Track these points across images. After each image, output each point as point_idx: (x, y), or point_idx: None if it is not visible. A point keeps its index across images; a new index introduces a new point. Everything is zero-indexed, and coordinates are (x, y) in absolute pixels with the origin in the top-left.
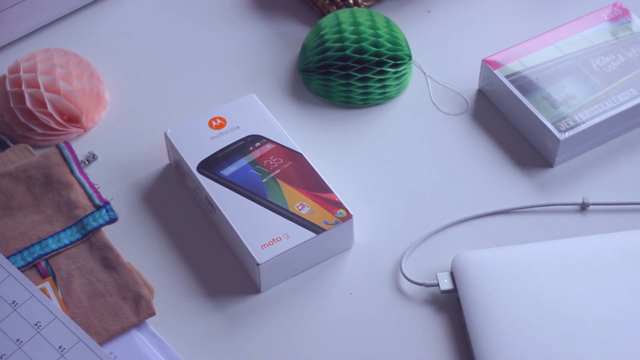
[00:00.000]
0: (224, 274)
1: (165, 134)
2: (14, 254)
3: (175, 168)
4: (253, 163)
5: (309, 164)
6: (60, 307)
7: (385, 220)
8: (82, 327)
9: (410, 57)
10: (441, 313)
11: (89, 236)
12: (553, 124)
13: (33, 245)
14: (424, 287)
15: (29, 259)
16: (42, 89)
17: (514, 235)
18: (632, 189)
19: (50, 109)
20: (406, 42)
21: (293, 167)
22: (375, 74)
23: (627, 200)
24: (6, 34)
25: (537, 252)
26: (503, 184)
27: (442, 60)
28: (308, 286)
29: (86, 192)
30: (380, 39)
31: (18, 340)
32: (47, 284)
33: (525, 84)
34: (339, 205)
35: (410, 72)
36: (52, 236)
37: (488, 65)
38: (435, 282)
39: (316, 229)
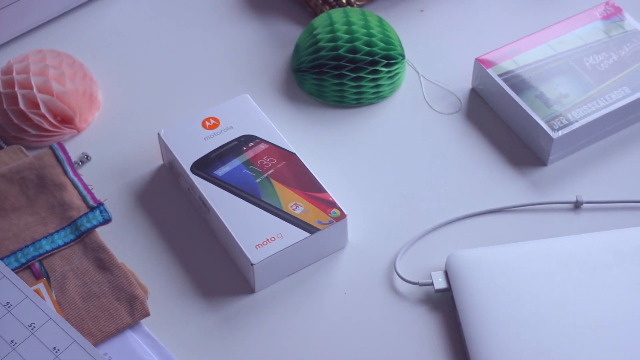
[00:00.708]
0: (218, 274)
1: (158, 134)
2: (8, 256)
3: (169, 168)
4: (247, 163)
5: (303, 163)
6: (55, 309)
7: (379, 220)
8: (76, 328)
9: (403, 56)
10: (435, 312)
11: (83, 237)
12: (546, 122)
13: (27, 246)
14: (418, 286)
15: (23, 260)
16: (35, 90)
17: (508, 234)
18: (626, 187)
19: (43, 110)
20: (399, 42)
21: (287, 167)
22: (368, 73)
23: (620, 198)
24: None
25: (531, 250)
26: (497, 182)
27: (435, 59)
28: (302, 286)
29: (80, 193)
30: (373, 39)
31: (12, 341)
32: (41, 285)
33: (518, 83)
34: (333, 204)
35: (403, 71)
36: (46, 237)
37: (481, 64)
38: (429, 281)
39: (310, 228)
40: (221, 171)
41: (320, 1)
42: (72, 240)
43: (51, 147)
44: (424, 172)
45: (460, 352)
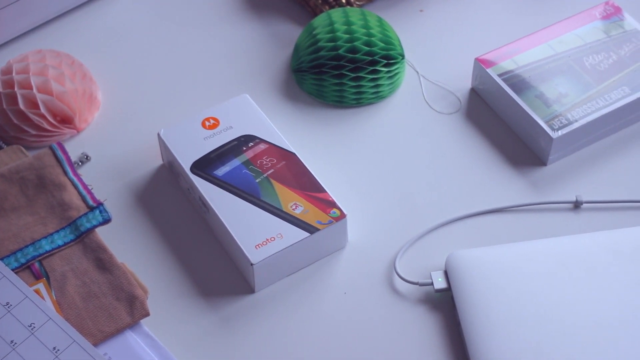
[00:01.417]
0: (218, 274)
1: (158, 134)
2: (8, 256)
3: (169, 168)
4: (246, 163)
5: (303, 163)
6: (54, 309)
7: (379, 220)
8: (76, 328)
9: (403, 56)
10: (435, 312)
11: (83, 237)
12: (546, 122)
13: (27, 246)
14: (418, 286)
15: (23, 261)
16: (34, 90)
17: (508, 234)
18: (625, 186)
19: (43, 110)
20: (399, 41)
21: (286, 166)
22: (368, 73)
23: (620, 198)
24: None
25: (531, 250)
26: (496, 182)
27: (435, 59)
28: (302, 286)
29: (79, 193)
30: (372, 38)
31: (12, 341)
32: (40, 285)
33: (518, 83)
34: (333, 204)
35: (403, 71)
36: (45, 237)
37: (481, 64)
38: (429, 281)
39: (310, 228)
40: (221, 171)
41: (320, 1)
42: (71, 241)
43: (51, 147)
44: (424, 172)
45: (460, 351)
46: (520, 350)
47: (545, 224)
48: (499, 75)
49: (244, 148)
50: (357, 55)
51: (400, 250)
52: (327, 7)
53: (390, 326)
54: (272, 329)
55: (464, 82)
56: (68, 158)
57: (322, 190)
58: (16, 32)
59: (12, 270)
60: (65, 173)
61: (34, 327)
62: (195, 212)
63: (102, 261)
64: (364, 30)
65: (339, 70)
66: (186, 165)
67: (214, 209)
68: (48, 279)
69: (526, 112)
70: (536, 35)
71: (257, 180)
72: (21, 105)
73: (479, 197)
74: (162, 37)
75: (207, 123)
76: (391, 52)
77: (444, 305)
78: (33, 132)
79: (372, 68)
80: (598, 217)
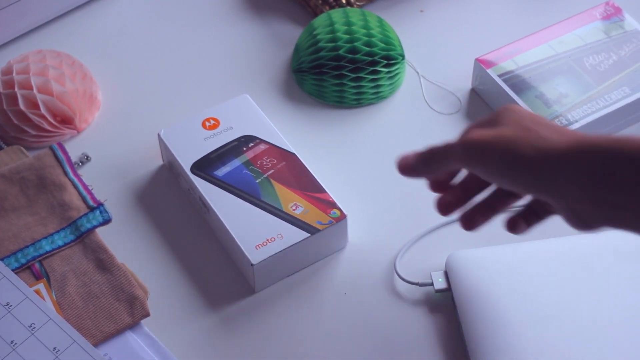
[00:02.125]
0: (218, 274)
1: (158, 134)
2: (8, 256)
3: (169, 169)
4: (247, 163)
5: (303, 164)
6: (55, 309)
7: (379, 220)
8: (76, 329)
9: (403, 56)
10: (435, 312)
11: (83, 237)
12: None
13: (27, 247)
14: (418, 286)
15: (23, 261)
16: (35, 91)
17: (508, 234)
18: None
19: (43, 110)
20: (399, 42)
21: (287, 167)
22: (368, 73)
23: None
24: None
25: (531, 250)
26: None
27: (435, 59)
28: (302, 286)
29: (80, 194)
30: (373, 39)
31: (12, 342)
32: (41, 286)
33: (518, 83)
34: (333, 205)
35: (403, 71)
36: (45, 238)
37: (481, 65)
38: (429, 281)
39: (310, 229)
40: (221, 171)
41: (320, 1)
42: (72, 241)
43: (51, 148)
44: None
45: (460, 352)
46: (520, 350)
47: (545, 224)
48: (499, 76)
49: (244, 148)
50: (357, 56)
51: (401, 251)
52: (327, 8)
53: (390, 326)
54: (272, 329)
55: (464, 83)
56: (68, 158)
57: (322, 191)
58: (16, 32)
59: (13, 270)
60: (66, 173)
61: (34, 328)
62: (196, 213)
63: (103, 261)
64: (364, 31)
65: (339, 71)
66: (186, 166)
67: (214, 209)
68: (48, 279)
69: None
70: (536, 36)
71: (257, 181)
72: (21, 106)
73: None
74: (162, 37)
75: (207, 123)
76: (391, 53)
77: (444, 305)
78: (33, 132)
79: (372, 68)
80: None
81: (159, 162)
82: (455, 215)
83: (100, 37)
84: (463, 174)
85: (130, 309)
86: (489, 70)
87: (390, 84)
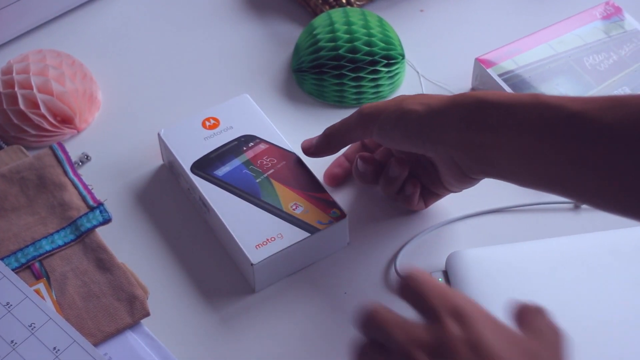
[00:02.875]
0: (218, 274)
1: (158, 134)
2: (8, 256)
3: (169, 168)
4: (247, 163)
5: (303, 163)
6: (55, 309)
7: (379, 220)
8: (76, 328)
9: (403, 56)
10: None
11: (83, 237)
12: None
13: (27, 246)
14: None
15: (23, 261)
16: (35, 90)
17: (508, 234)
18: None
19: (43, 110)
20: (399, 41)
21: (287, 166)
22: (368, 73)
23: None
24: None
25: (531, 250)
26: (497, 182)
27: (435, 59)
28: (303, 286)
29: (80, 193)
30: (373, 39)
31: (12, 341)
32: (41, 286)
33: (518, 83)
34: (333, 204)
35: (403, 71)
36: (46, 237)
37: (481, 64)
38: None
39: (310, 228)
40: (221, 171)
41: (320, 1)
42: (72, 241)
43: (51, 147)
44: None
45: None
46: None
47: (545, 224)
48: (500, 76)
49: (244, 148)
50: (357, 55)
51: (401, 250)
52: (327, 7)
53: None
54: (272, 329)
55: (464, 82)
56: (68, 158)
57: (323, 190)
58: (16, 32)
59: (13, 270)
60: (66, 173)
61: (34, 327)
62: (196, 212)
63: (103, 261)
64: (364, 31)
65: (339, 70)
66: (186, 165)
67: (214, 209)
68: (48, 279)
69: None
70: (536, 35)
71: (257, 181)
72: (21, 105)
73: (479, 197)
74: (162, 37)
75: (207, 123)
76: (391, 52)
77: None
78: (33, 132)
79: (372, 68)
80: (598, 217)
81: (158, 161)
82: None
83: (100, 37)
84: None
85: (130, 309)
86: (489, 70)
87: (390, 84)
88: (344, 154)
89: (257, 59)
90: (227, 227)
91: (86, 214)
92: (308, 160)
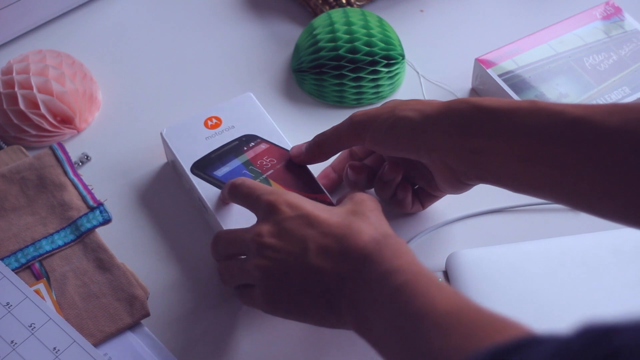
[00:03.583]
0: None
1: (161, 134)
2: (8, 256)
3: (172, 167)
4: (247, 163)
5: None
6: (55, 309)
7: None
8: (76, 329)
9: (403, 56)
10: None
11: (83, 237)
12: None
13: (27, 246)
14: None
15: (23, 261)
16: (35, 91)
17: (508, 234)
18: None
19: (43, 110)
20: (399, 42)
21: (286, 167)
22: (368, 73)
23: None
24: None
25: (531, 250)
26: None
27: (435, 59)
28: None
29: (80, 194)
30: (373, 39)
31: (12, 342)
32: (41, 286)
33: (518, 83)
34: (331, 205)
35: (403, 71)
36: (46, 237)
37: (481, 64)
38: None
39: None
40: (221, 172)
41: (320, 1)
42: (72, 241)
43: (51, 147)
44: None
45: None
46: None
47: (545, 225)
48: (500, 76)
49: (245, 148)
50: (357, 56)
51: None
52: (327, 7)
53: None
54: (273, 329)
55: (464, 83)
56: (68, 158)
57: (321, 192)
58: (16, 32)
59: (13, 270)
60: (66, 173)
61: (34, 327)
62: (197, 212)
63: (102, 261)
64: (364, 31)
65: (339, 71)
66: (187, 166)
67: (212, 210)
68: (48, 279)
69: None
70: (536, 36)
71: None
72: (21, 106)
73: (479, 197)
74: (162, 37)
75: (209, 122)
76: (391, 53)
77: None
78: (33, 132)
79: (372, 68)
80: (597, 218)
81: (160, 161)
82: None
83: (100, 37)
84: None
85: (130, 309)
86: (489, 70)
87: (390, 84)
88: (330, 165)
89: (257, 59)
90: (224, 227)
91: (86, 214)
92: None
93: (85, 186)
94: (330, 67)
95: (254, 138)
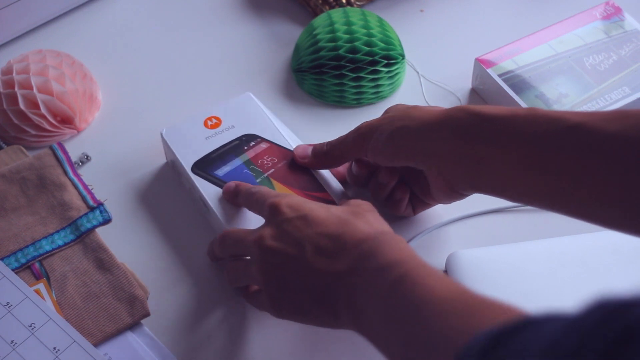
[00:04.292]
0: (219, 274)
1: (160, 133)
2: (8, 256)
3: (172, 167)
4: (247, 163)
5: None
6: (55, 309)
7: None
8: (76, 329)
9: (403, 56)
10: None
11: (83, 237)
12: None
13: (27, 246)
14: None
15: (23, 261)
16: (35, 91)
17: (508, 234)
18: None
19: (43, 110)
20: (399, 42)
21: (287, 166)
22: (368, 73)
23: None
24: None
25: (531, 250)
26: None
27: (435, 59)
28: None
29: (80, 194)
30: (373, 39)
31: (12, 341)
32: (41, 286)
33: (518, 83)
34: (333, 204)
35: (403, 71)
36: (46, 237)
37: (481, 64)
38: None
39: None
40: (222, 171)
41: (320, 1)
42: (72, 241)
43: (51, 147)
44: None
45: None
46: None
47: (545, 224)
48: (500, 76)
49: (245, 147)
50: (357, 56)
51: None
52: (327, 7)
53: None
54: (273, 329)
55: (464, 82)
56: (68, 158)
57: (322, 190)
58: (16, 32)
59: (13, 270)
60: (66, 173)
61: (34, 327)
62: (197, 212)
63: (103, 261)
64: (364, 31)
65: (340, 71)
66: (187, 165)
67: (214, 209)
68: (48, 279)
69: None
70: (536, 36)
71: (257, 181)
72: (21, 106)
73: (479, 197)
74: (162, 37)
75: (209, 122)
76: (391, 52)
77: None
78: (33, 132)
79: (372, 68)
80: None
81: (160, 161)
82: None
83: (100, 37)
84: None
85: (130, 309)
86: (489, 70)
87: (390, 84)
88: None
89: (258, 59)
90: (227, 226)
91: (86, 214)
92: None
93: (85, 186)
94: (330, 67)
95: (254, 137)
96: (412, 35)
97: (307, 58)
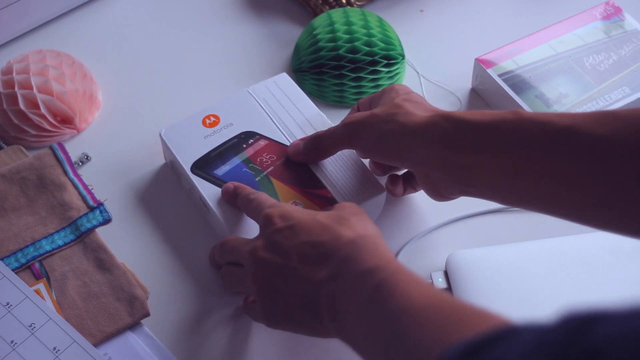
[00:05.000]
0: (219, 274)
1: (159, 134)
2: (8, 256)
3: (171, 167)
4: (246, 161)
5: None
6: (55, 309)
7: (379, 220)
8: (76, 329)
9: (403, 56)
10: None
11: (83, 237)
12: None
13: (27, 246)
14: None
15: (23, 261)
16: (35, 91)
17: (508, 234)
18: None
19: (43, 110)
20: (399, 42)
21: (286, 163)
22: (368, 73)
23: None
24: None
25: (531, 250)
26: None
27: (435, 59)
28: None
29: (80, 194)
30: (373, 39)
31: (12, 341)
32: (41, 286)
33: (518, 83)
34: (332, 201)
35: (403, 71)
36: (46, 237)
37: (481, 64)
38: (429, 281)
39: None
40: (221, 170)
41: (320, 1)
42: (72, 241)
43: (51, 147)
44: None
45: None
46: None
47: (544, 225)
48: (500, 76)
49: (244, 145)
50: (357, 56)
51: (401, 250)
52: (327, 7)
53: None
54: (273, 329)
55: (464, 82)
56: (68, 158)
57: (321, 187)
58: (16, 32)
59: (13, 270)
60: (66, 173)
61: (34, 327)
62: (197, 212)
63: (102, 261)
64: (364, 31)
65: (340, 71)
66: (187, 165)
67: (214, 208)
68: (48, 279)
69: None
70: (536, 36)
71: (256, 179)
72: (21, 106)
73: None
74: (162, 37)
75: (207, 121)
76: (391, 53)
77: None
78: (33, 132)
79: (372, 68)
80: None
81: (160, 161)
82: (454, 214)
83: (100, 37)
84: None
85: (130, 309)
86: (489, 70)
87: (390, 84)
88: None
89: (257, 59)
90: (227, 227)
91: (86, 214)
92: None
93: (85, 186)
94: (330, 67)
95: (252, 135)
96: (412, 35)
97: (307, 58)
